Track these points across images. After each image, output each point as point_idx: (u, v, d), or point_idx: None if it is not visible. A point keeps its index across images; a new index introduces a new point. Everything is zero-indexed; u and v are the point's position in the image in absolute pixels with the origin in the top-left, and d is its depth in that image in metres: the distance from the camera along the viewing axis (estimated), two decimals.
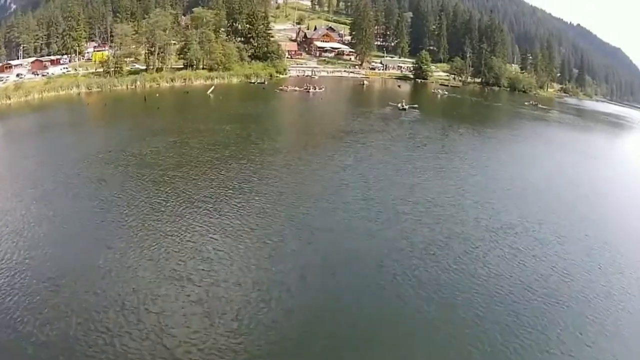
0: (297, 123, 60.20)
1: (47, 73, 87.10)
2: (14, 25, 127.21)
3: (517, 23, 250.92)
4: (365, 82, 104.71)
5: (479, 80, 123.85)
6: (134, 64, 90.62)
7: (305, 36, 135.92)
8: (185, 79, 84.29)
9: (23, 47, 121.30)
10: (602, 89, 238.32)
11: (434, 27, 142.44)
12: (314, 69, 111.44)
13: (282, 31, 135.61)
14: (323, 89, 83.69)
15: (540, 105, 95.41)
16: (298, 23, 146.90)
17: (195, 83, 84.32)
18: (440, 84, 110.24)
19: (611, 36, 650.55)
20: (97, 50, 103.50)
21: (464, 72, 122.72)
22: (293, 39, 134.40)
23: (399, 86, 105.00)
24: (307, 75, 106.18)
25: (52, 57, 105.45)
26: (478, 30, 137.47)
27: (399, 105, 69.80)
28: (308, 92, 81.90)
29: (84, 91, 74.74)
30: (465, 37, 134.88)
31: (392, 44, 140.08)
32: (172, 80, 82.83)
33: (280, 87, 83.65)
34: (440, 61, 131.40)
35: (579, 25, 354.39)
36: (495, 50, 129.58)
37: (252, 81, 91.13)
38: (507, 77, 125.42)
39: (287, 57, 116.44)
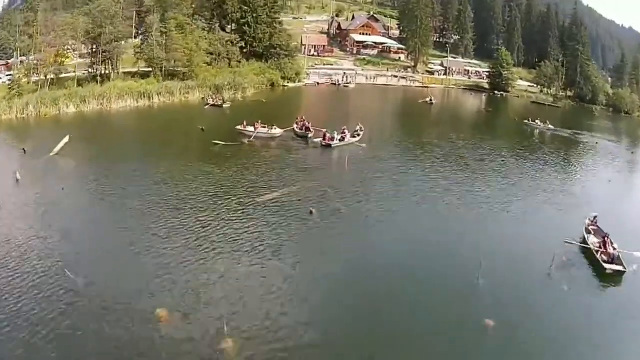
0: None
1: None
2: None
3: None
4: (432, 99, 59.56)
5: (571, 94, 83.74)
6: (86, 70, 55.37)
7: (339, 27, 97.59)
8: (103, 99, 44.93)
9: None
10: None
11: (503, 20, 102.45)
12: (348, 73, 73.64)
13: (313, 22, 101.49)
14: (361, 133, 34.03)
15: None
16: (337, 15, 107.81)
17: (114, 106, 45.06)
18: (532, 102, 70.74)
19: None
20: None
21: (555, 83, 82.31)
22: (324, 31, 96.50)
23: (489, 110, 63.39)
24: (332, 83, 68.77)
25: (9, 61, 71.91)
26: (558, 28, 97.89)
27: (605, 261, 17.16)
28: (327, 144, 31.46)
29: None
30: (548, 35, 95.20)
31: (452, 41, 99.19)
32: (84, 101, 43.75)
33: (239, 128, 34.00)
34: (514, 66, 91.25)
35: (630, 28, 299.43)
36: (585, 54, 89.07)
37: (208, 102, 47.45)
38: (605, 92, 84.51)
39: (313, 55, 79.51)
